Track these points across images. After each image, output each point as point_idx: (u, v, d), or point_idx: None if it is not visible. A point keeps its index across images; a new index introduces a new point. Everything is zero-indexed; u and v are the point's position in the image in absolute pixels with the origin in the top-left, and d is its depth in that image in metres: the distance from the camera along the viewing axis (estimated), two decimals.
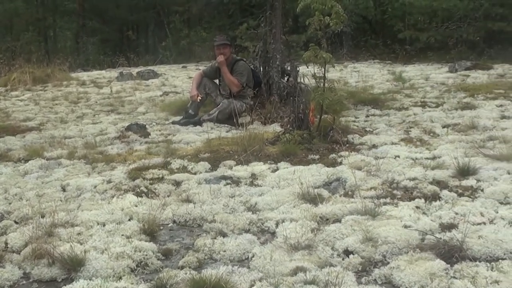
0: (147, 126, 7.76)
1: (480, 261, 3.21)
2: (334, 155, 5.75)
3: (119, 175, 5.33)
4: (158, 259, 3.53)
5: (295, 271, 3.19)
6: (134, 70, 15.52)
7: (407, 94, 9.55)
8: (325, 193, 4.60)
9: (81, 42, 27.45)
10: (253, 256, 3.47)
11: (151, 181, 5.13)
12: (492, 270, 3.08)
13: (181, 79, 13.98)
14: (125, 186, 4.99)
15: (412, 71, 13.39)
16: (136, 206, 4.43)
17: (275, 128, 7.07)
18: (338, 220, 3.95)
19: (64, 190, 5.02)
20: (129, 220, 4.15)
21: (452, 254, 3.25)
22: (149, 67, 16.63)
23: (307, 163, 5.48)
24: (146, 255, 3.52)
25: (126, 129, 7.47)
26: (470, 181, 4.66)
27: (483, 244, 3.37)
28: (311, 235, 3.69)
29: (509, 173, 4.78)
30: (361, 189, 4.57)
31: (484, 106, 8.02)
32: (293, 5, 6.40)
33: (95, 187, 5.00)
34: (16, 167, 5.93)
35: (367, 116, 8.00)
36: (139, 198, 4.62)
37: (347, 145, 6.16)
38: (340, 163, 5.44)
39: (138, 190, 4.89)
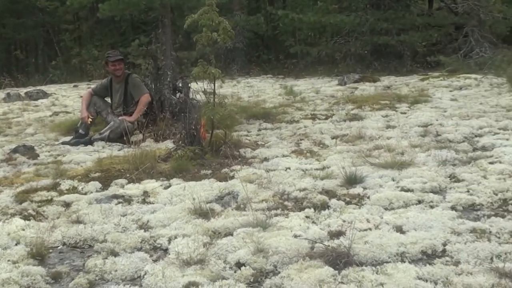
0: (35, 147, 7.53)
1: (366, 266, 3.33)
2: (226, 169, 5.79)
3: (5, 199, 5.13)
4: (47, 283, 3.43)
5: (187, 286, 3.19)
6: (23, 91, 15.05)
7: (298, 107, 9.73)
8: (217, 207, 4.62)
9: None
10: (145, 274, 3.43)
11: (39, 204, 4.97)
12: (377, 274, 3.20)
13: (72, 98, 13.68)
14: (12, 210, 4.81)
15: (303, 85, 13.66)
16: (23, 229, 4.26)
17: (168, 145, 7.02)
18: (230, 234, 3.98)
19: None
20: (16, 244, 4.00)
21: (340, 260, 3.34)
22: (39, 87, 16.16)
23: (200, 179, 5.49)
24: (34, 279, 3.42)
25: (13, 151, 7.19)
26: (357, 189, 4.81)
27: (369, 249, 3.49)
28: (203, 250, 3.69)
29: (393, 180, 4.97)
30: (252, 201, 4.61)
31: (371, 117, 8.29)
32: (183, 22, 6.41)
33: None
34: None
35: (259, 130, 8.09)
36: (27, 222, 4.45)
37: (239, 159, 6.22)
38: (232, 177, 5.47)
39: (26, 213, 4.72)
